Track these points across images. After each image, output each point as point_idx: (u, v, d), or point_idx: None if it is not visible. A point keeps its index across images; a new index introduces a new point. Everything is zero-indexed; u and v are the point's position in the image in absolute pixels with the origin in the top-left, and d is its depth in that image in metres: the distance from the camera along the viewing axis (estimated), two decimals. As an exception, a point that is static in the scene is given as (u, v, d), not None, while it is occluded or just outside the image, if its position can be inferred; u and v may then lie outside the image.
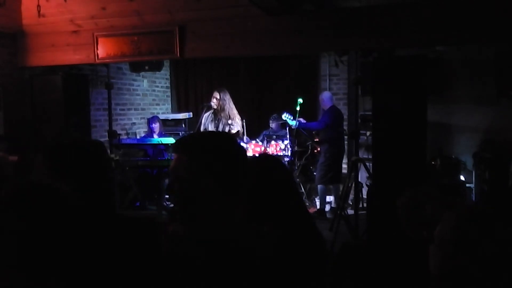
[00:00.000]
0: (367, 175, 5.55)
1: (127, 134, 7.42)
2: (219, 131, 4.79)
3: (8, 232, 1.28)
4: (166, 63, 8.18)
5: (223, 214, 1.31)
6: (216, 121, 5.59)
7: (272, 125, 7.58)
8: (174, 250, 1.30)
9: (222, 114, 5.56)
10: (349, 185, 5.37)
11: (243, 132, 5.89)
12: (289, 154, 6.38)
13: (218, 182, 1.29)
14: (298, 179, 6.63)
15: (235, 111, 5.60)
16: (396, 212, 2.22)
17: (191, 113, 7.98)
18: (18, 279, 1.26)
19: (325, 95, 6.69)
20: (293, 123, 6.36)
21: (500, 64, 5.79)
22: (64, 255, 1.30)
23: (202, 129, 5.63)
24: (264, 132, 7.32)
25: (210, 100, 5.66)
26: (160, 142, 6.38)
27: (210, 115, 5.67)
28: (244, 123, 6.14)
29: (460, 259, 1.31)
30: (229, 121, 5.52)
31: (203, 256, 1.26)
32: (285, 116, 6.42)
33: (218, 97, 5.53)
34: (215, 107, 5.61)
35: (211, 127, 5.58)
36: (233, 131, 5.54)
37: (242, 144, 5.93)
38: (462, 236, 1.33)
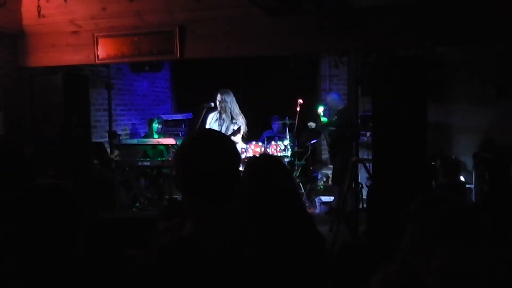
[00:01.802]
0: (367, 175, 5.55)
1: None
2: (221, 132, 4.78)
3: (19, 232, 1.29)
4: (166, 64, 8.19)
5: (208, 212, 1.31)
6: (221, 121, 5.62)
7: (274, 125, 7.58)
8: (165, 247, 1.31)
9: (224, 115, 5.58)
10: (349, 185, 5.37)
11: (246, 132, 5.89)
12: (289, 155, 6.38)
13: (199, 179, 1.31)
14: (298, 180, 6.62)
15: (237, 111, 5.60)
16: (396, 213, 2.22)
17: (191, 114, 7.98)
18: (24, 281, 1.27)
19: (335, 96, 6.73)
20: (324, 120, 6.71)
21: (500, 64, 5.80)
22: (72, 254, 1.32)
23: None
24: (264, 133, 7.32)
25: (210, 101, 5.66)
26: (160, 143, 6.38)
27: (215, 114, 5.69)
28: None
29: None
30: (233, 121, 5.55)
31: (200, 256, 1.26)
32: (320, 112, 6.74)
33: (220, 99, 5.55)
34: (218, 108, 5.64)
35: (215, 128, 5.60)
36: (239, 130, 5.54)
37: (242, 145, 5.93)
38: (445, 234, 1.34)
